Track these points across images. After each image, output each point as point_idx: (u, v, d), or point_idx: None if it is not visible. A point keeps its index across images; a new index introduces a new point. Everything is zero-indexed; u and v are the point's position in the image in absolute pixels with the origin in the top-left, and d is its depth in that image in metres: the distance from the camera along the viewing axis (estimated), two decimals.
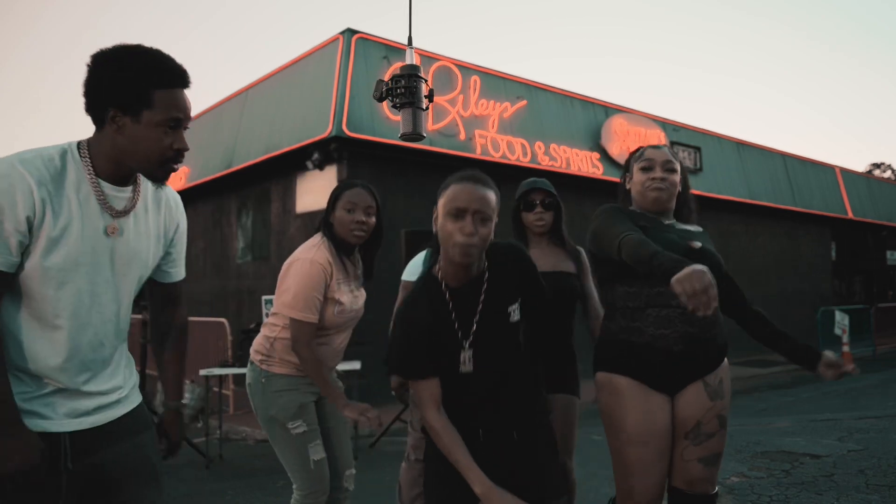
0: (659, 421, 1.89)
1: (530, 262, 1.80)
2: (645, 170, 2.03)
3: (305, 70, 8.60)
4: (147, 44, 1.39)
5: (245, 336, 5.61)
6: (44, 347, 1.36)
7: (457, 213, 1.59)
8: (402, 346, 1.72)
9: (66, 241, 1.34)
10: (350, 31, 7.92)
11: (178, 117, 1.37)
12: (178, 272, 1.65)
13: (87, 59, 1.35)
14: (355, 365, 5.33)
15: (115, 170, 1.40)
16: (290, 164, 8.43)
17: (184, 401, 1.69)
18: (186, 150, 1.42)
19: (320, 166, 8.02)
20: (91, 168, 1.38)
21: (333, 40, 8.06)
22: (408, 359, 1.71)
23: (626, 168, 2.15)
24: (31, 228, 1.29)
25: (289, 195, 9.01)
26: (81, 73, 1.39)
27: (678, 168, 2.07)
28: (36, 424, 1.34)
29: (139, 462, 1.50)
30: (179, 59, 1.41)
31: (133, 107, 1.33)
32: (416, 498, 2.54)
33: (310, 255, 2.25)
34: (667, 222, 2.03)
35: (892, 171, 38.37)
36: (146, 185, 1.50)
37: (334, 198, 2.33)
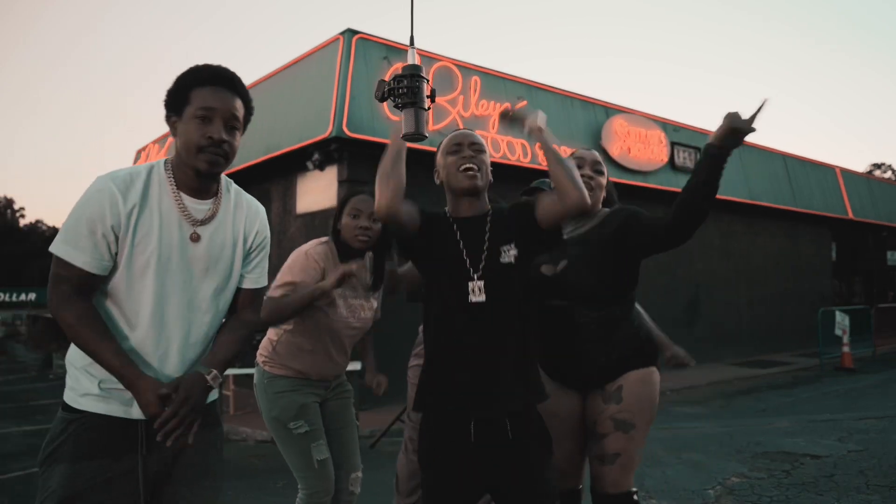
0: (565, 404, 2.11)
1: (528, 203, 1.88)
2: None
3: (306, 70, 8.60)
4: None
5: None
6: (124, 341, 1.49)
7: (455, 150, 1.87)
8: None
9: (147, 247, 1.49)
10: (350, 32, 7.92)
11: (210, 106, 1.51)
12: (257, 279, 1.71)
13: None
14: (355, 365, 5.33)
15: (188, 177, 1.55)
16: (291, 165, 8.43)
17: (209, 376, 1.52)
18: (221, 139, 1.52)
19: (321, 166, 8.02)
20: (173, 181, 1.55)
21: (334, 40, 8.06)
22: None
23: None
24: (118, 237, 1.47)
25: (289, 195, 9.01)
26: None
27: (605, 170, 2.26)
28: (114, 410, 1.48)
29: (199, 457, 1.59)
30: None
31: (179, 107, 1.53)
32: (413, 490, 2.55)
33: (308, 247, 2.36)
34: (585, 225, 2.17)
35: (893, 171, 38.35)
36: (227, 196, 1.64)
37: (342, 204, 2.40)
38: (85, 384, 1.48)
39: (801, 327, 13.93)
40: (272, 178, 9.18)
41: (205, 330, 1.60)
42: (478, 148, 1.88)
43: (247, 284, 1.69)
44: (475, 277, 1.76)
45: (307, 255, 2.32)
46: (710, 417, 7.05)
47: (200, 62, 1.59)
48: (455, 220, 1.87)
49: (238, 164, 9.30)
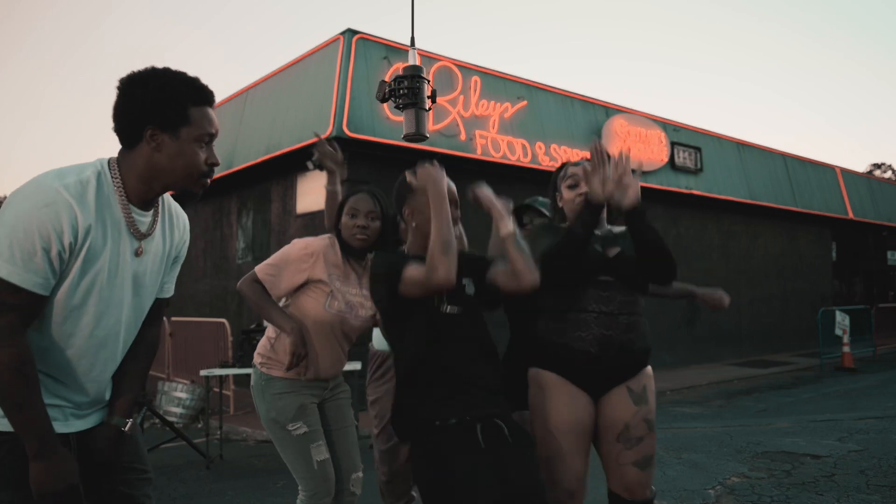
0: (579, 415, 2.03)
1: (484, 263, 2.06)
2: (571, 187, 2.17)
3: (306, 70, 8.60)
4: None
5: (245, 336, 5.60)
6: (51, 367, 1.40)
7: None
8: None
9: (98, 263, 1.37)
10: (351, 32, 7.92)
11: (212, 133, 1.46)
12: (170, 289, 1.65)
13: (118, 83, 1.41)
14: (356, 365, 5.33)
15: (144, 190, 1.44)
16: (291, 165, 8.42)
17: (126, 428, 1.52)
18: (218, 164, 1.49)
19: (321, 167, 8.00)
20: (123, 190, 1.42)
21: (334, 41, 8.06)
22: None
23: (553, 187, 2.29)
24: (72, 253, 1.33)
25: (289, 195, 9.01)
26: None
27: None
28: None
29: (129, 455, 1.57)
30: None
31: (172, 124, 1.39)
32: (393, 474, 2.57)
33: (311, 239, 2.41)
34: (597, 232, 2.14)
35: (893, 171, 38.37)
36: (162, 207, 1.55)
37: (342, 204, 2.42)
38: None
39: (802, 327, 13.93)
40: (272, 178, 9.18)
41: (126, 347, 1.55)
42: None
43: (162, 294, 1.62)
44: (445, 304, 1.91)
45: (306, 246, 2.36)
46: (710, 417, 7.05)
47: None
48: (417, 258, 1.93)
49: (238, 164, 9.31)
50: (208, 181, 1.49)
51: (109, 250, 1.39)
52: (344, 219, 2.36)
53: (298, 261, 2.33)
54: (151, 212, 1.50)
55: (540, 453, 1.99)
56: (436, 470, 1.77)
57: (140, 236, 1.46)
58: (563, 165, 2.28)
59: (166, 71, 1.44)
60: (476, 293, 2.00)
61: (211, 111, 1.47)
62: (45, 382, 1.39)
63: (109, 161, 1.43)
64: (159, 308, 1.63)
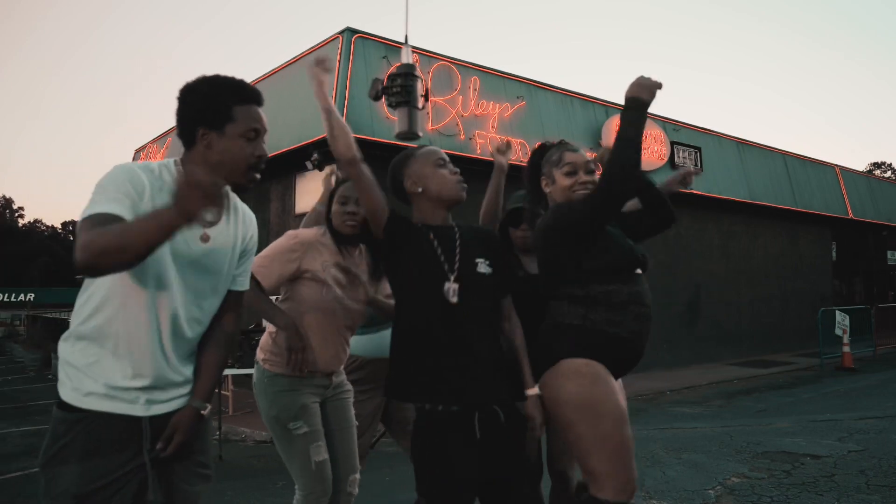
0: (624, 403, 2.04)
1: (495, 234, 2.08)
2: (570, 174, 2.12)
3: (305, 70, 8.59)
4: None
5: (245, 336, 5.60)
6: (137, 337, 1.49)
7: (443, 163, 1.99)
8: None
9: (168, 243, 1.43)
10: (350, 31, 7.91)
11: (257, 128, 1.58)
12: (244, 281, 1.74)
13: (177, 93, 1.58)
14: None
15: None
16: (290, 164, 8.42)
17: (204, 412, 1.61)
18: (266, 156, 1.60)
19: (320, 166, 8.01)
20: None
21: (333, 40, 8.06)
22: None
23: (535, 170, 2.23)
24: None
25: (288, 195, 9.00)
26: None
27: (596, 167, 2.18)
28: (119, 408, 1.48)
29: (200, 447, 1.65)
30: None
31: (218, 122, 1.55)
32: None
33: (301, 230, 2.45)
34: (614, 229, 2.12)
35: (893, 170, 38.35)
36: (227, 201, 1.63)
37: (332, 193, 2.46)
38: (88, 384, 1.48)
39: (802, 327, 13.93)
40: (271, 178, 9.17)
41: (201, 331, 1.64)
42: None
43: (236, 286, 1.71)
44: (451, 279, 1.88)
45: (296, 235, 2.40)
46: (710, 417, 7.04)
47: (219, 67, 1.64)
48: (428, 227, 1.97)
49: None
50: (257, 175, 1.61)
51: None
52: (335, 206, 2.41)
53: (289, 250, 2.35)
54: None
55: (607, 445, 1.91)
56: (427, 452, 1.83)
57: (205, 224, 1.53)
58: (547, 147, 2.23)
59: (214, 77, 1.59)
60: (493, 273, 1.96)
61: (257, 108, 1.60)
62: (117, 363, 1.48)
63: (176, 160, 1.59)
64: (235, 301, 1.71)
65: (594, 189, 1.97)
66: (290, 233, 2.44)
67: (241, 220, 1.70)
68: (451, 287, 1.87)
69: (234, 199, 1.70)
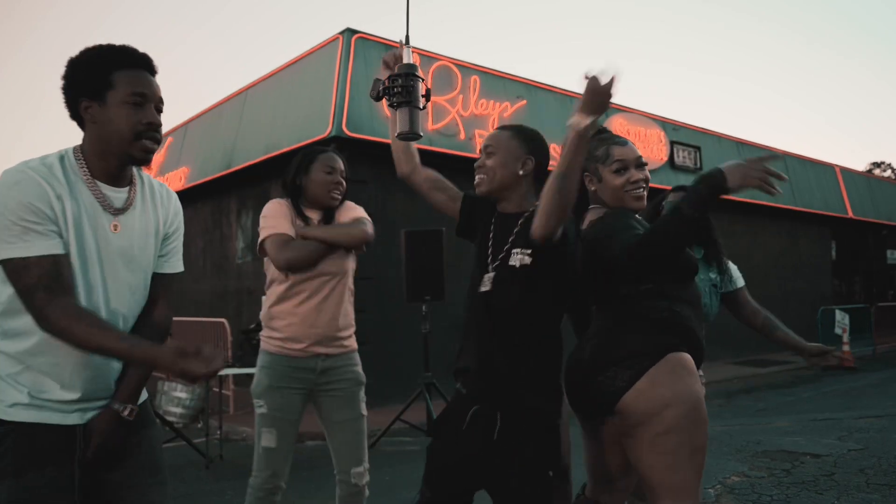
0: None
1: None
2: (619, 172, 1.88)
3: (305, 70, 8.59)
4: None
5: (245, 336, 5.60)
6: (60, 347, 1.38)
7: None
8: None
9: (80, 238, 1.40)
10: (350, 31, 7.91)
11: (141, 92, 1.43)
12: (172, 265, 1.63)
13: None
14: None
15: (104, 166, 1.46)
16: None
17: (125, 413, 1.46)
18: (158, 123, 1.46)
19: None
20: (87, 170, 1.44)
21: (333, 40, 8.06)
22: None
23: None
24: (54, 221, 1.36)
25: None
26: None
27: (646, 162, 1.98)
28: (49, 418, 1.39)
29: (145, 456, 1.54)
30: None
31: (98, 92, 1.41)
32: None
33: (275, 200, 2.43)
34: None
35: (893, 170, 38.36)
36: (140, 183, 1.55)
37: (308, 161, 2.43)
38: (12, 394, 1.37)
39: (802, 326, 13.80)
40: (272, 178, 9.16)
41: (133, 322, 1.54)
42: (488, 151, 1.93)
43: (164, 269, 1.60)
44: (490, 269, 1.82)
45: (280, 203, 2.40)
46: (710, 417, 7.04)
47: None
48: (497, 212, 1.93)
49: (238, 164, 9.30)
50: (152, 144, 1.46)
51: (88, 225, 1.41)
52: (318, 175, 2.39)
53: (286, 210, 2.38)
54: (127, 188, 1.50)
55: (698, 458, 1.76)
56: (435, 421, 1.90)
57: (115, 212, 1.46)
58: (600, 140, 1.94)
59: (95, 45, 1.46)
60: (533, 263, 1.74)
61: (141, 73, 1.45)
62: (45, 380, 1.39)
63: (75, 147, 1.47)
64: (163, 286, 1.59)
65: (637, 243, 1.65)
66: (276, 202, 2.44)
67: (158, 201, 1.58)
68: (487, 277, 1.83)
69: (149, 179, 1.58)
